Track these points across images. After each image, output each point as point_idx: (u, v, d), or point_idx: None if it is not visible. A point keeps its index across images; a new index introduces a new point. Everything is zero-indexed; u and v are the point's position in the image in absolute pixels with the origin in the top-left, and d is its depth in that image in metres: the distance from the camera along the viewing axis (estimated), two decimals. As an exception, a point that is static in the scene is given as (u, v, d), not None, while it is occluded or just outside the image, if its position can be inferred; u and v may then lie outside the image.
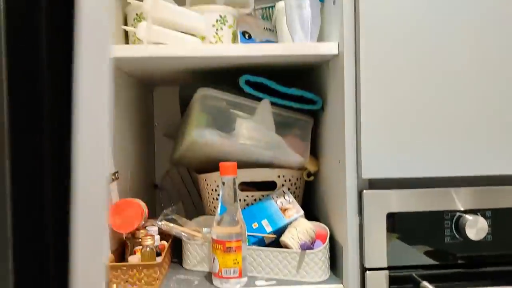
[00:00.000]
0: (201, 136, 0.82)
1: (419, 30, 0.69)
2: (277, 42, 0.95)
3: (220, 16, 0.88)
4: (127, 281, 0.75)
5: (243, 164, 0.86)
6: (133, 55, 0.74)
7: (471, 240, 0.71)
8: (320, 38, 0.81)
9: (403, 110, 0.70)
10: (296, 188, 0.94)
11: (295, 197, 0.90)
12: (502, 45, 0.71)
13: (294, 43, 0.76)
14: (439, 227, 0.73)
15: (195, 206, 1.19)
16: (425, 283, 0.71)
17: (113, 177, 0.74)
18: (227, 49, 0.75)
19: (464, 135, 0.71)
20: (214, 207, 0.95)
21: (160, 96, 1.24)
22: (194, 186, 1.21)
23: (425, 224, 0.73)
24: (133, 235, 0.85)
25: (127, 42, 0.92)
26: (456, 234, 0.73)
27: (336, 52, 0.73)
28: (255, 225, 0.85)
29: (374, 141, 0.70)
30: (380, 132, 0.70)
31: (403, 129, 0.70)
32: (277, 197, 0.89)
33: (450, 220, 0.73)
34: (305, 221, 0.83)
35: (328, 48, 0.72)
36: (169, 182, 1.21)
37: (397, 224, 0.72)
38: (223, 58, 0.77)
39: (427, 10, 0.69)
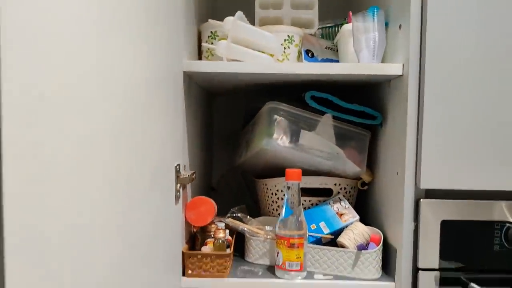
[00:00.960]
0: (269, 145, 0.91)
1: (481, 53, 0.76)
2: (337, 60, 1.04)
3: (288, 36, 0.98)
4: (200, 268, 0.85)
5: (304, 172, 0.94)
6: (215, 71, 0.84)
7: (520, 249, 0.78)
8: (383, 59, 0.89)
9: (461, 127, 0.77)
10: (350, 196, 1.02)
11: (349, 203, 0.98)
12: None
13: (362, 64, 0.85)
14: (489, 236, 0.79)
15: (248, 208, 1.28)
16: (473, 284, 0.77)
17: (193, 176, 0.84)
18: (301, 67, 0.84)
19: (516, 153, 0.78)
20: (273, 209, 1.04)
21: (220, 105, 1.35)
22: (247, 190, 1.30)
23: (476, 233, 0.79)
24: (202, 229, 0.94)
25: (199, 57, 1.03)
26: (505, 243, 0.79)
27: (400, 73, 0.81)
28: (313, 226, 0.94)
29: (432, 155, 0.78)
30: (439, 147, 0.77)
31: (460, 146, 0.78)
32: (333, 202, 0.97)
33: (500, 230, 0.79)
34: (361, 225, 0.91)
35: (393, 69, 0.81)
36: (223, 185, 1.31)
37: (450, 231, 0.79)
38: (293, 75, 0.87)
39: (488, 35, 0.76)
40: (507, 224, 0.79)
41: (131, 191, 0.54)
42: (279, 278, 0.86)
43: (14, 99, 0.31)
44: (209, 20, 0.96)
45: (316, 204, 0.99)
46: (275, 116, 0.92)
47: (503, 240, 0.80)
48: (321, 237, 0.92)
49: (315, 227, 0.94)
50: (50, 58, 0.36)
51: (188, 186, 0.93)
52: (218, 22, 0.93)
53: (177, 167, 0.77)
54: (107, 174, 0.47)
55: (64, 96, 0.38)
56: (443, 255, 0.79)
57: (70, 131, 0.39)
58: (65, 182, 0.38)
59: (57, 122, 0.37)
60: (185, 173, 0.82)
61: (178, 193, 0.78)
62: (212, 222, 0.94)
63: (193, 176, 0.85)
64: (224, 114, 1.35)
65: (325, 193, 1.00)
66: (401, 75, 0.82)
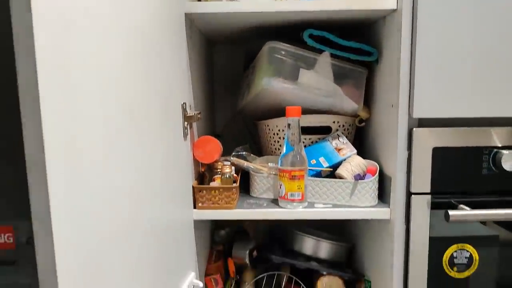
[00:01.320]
0: (269, 84, 0.95)
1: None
2: None
3: (285, -23, 0.99)
4: (210, 200, 0.91)
5: (303, 111, 0.99)
6: (216, 11, 0.87)
7: (506, 171, 0.83)
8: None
9: (452, 60, 0.81)
10: (348, 133, 1.07)
11: (347, 139, 1.03)
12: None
13: (356, -1, 0.87)
14: (478, 161, 0.85)
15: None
16: (462, 206, 0.84)
17: (198, 116, 0.89)
18: (299, 4, 0.87)
19: (503, 82, 0.82)
20: (275, 149, 1.09)
21: (220, 54, 1.37)
22: (249, 134, 1.36)
23: (466, 158, 0.85)
24: (209, 167, 1.00)
25: None
26: (493, 167, 0.85)
27: (394, 7, 0.84)
28: (313, 162, 1.00)
29: (425, 86, 0.82)
30: (431, 79, 0.81)
31: (451, 77, 0.81)
32: (332, 139, 1.03)
33: (488, 155, 0.85)
34: (358, 157, 0.97)
35: (388, 3, 0.83)
36: (229, 131, 1.36)
37: (441, 157, 0.84)
38: (292, 13, 0.89)
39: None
40: (495, 149, 0.84)
41: (146, 123, 0.59)
42: (282, 208, 0.93)
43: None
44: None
45: (316, 141, 1.04)
46: (275, 56, 0.95)
47: (491, 165, 0.85)
48: (321, 170, 0.98)
49: (315, 162, 0.99)
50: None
51: (195, 128, 0.98)
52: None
53: (184, 105, 0.82)
54: (125, 104, 0.51)
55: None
56: (434, 180, 0.85)
57: (92, 58, 0.43)
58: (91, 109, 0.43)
59: (82, 46, 0.41)
60: (191, 112, 0.86)
61: (186, 130, 0.83)
62: (219, 160, 1.00)
63: (199, 116, 0.89)
64: (224, 62, 1.37)
65: (325, 131, 1.05)
66: (395, 9, 0.84)
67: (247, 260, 1.17)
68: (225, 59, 1.37)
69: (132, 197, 0.55)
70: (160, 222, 0.67)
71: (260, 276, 1.13)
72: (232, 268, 1.15)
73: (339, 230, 1.35)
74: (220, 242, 1.25)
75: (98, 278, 0.46)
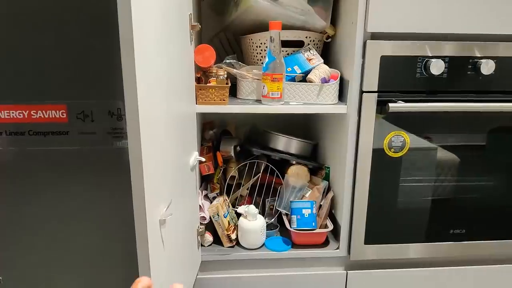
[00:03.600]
0: (256, 1, 1.15)
1: None
2: None
3: None
4: (208, 97, 1.15)
5: (282, 27, 1.20)
6: None
7: (433, 75, 1.12)
8: None
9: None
10: (317, 47, 1.31)
11: (316, 52, 1.27)
12: None
13: None
14: (413, 67, 1.12)
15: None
16: (399, 101, 1.12)
17: (199, 26, 1.09)
18: None
19: (434, 5, 1.07)
20: (257, 60, 1.32)
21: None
22: (232, 49, 1.57)
23: (405, 64, 1.12)
24: (204, 73, 1.23)
25: None
26: (424, 72, 1.13)
27: None
28: (289, 69, 1.24)
29: (377, 7, 1.06)
30: (382, 1, 1.05)
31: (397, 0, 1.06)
32: (304, 51, 1.27)
33: (421, 63, 1.12)
34: (325, 66, 1.22)
35: None
36: (216, 44, 1.56)
37: (387, 63, 1.11)
38: None
39: None
40: (426, 58, 1.12)
41: (174, 26, 0.80)
42: (265, 104, 1.18)
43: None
44: None
45: (291, 53, 1.28)
46: (260, -21, 1.14)
47: (423, 70, 1.13)
48: (295, 76, 1.23)
49: (291, 70, 1.24)
50: None
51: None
52: None
53: (190, 15, 1.02)
54: (161, 11, 0.72)
55: None
56: (380, 81, 1.13)
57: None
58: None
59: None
60: (194, 23, 1.07)
61: (192, 36, 1.04)
62: (213, 66, 1.22)
63: (199, 26, 1.10)
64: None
65: (298, 45, 1.28)
66: None
67: (232, 154, 1.44)
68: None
69: (169, 88, 0.78)
70: (179, 111, 0.91)
71: (243, 163, 1.41)
72: (220, 159, 1.42)
73: (305, 134, 1.64)
74: (209, 139, 1.51)
75: (154, 128, 0.71)
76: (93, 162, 1.00)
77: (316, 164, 1.43)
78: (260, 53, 1.31)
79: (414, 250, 1.27)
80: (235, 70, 1.23)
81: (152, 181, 0.72)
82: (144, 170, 0.69)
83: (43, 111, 0.90)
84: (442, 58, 1.12)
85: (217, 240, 1.28)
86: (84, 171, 1.01)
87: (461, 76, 1.14)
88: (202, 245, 1.27)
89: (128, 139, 0.66)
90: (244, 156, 1.48)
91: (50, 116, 0.90)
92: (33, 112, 0.89)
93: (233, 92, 1.27)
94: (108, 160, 1.01)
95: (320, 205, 1.33)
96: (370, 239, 1.25)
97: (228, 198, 1.37)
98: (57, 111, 0.90)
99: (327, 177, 1.40)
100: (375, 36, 1.10)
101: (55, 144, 0.95)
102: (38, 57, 0.91)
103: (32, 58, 0.91)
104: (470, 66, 1.14)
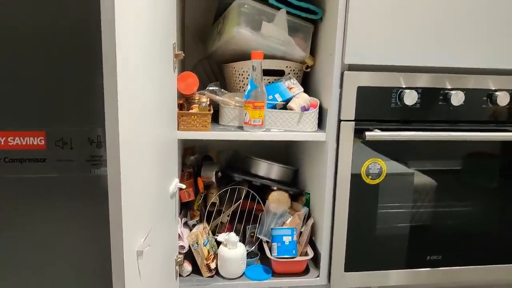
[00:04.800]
0: (238, 32, 1.19)
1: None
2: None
3: None
4: (189, 124, 1.17)
5: (264, 56, 1.24)
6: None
7: (407, 105, 1.16)
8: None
9: (373, 23, 1.10)
10: (297, 76, 1.35)
11: (296, 81, 1.31)
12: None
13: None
14: (389, 97, 1.17)
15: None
16: (376, 129, 1.16)
17: (183, 54, 1.11)
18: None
19: (413, 37, 1.13)
20: (240, 87, 1.35)
21: (190, 5, 1.57)
22: (214, 77, 1.59)
23: (380, 95, 1.16)
24: (187, 100, 1.24)
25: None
26: (398, 102, 1.17)
27: (335, -23, 1.10)
28: (270, 97, 1.27)
29: (354, 40, 1.10)
30: (359, 35, 1.10)
31: (373, 35, 1.11)
32: (285, 80, 1.30)
33: (395, 93, 1.17)
34: (305, 94, 1.26)
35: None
36: (199, 71, 1.58)
37: (363, 93, 1.15)
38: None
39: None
40: (400, 89, 1.16)
41: (157, 57, 0.82)
42: (246, 131, 1.20)
43: None
44: None
45: (273, 82, 1.31)
46: (243, 10, 1.18)
47: (397, 100, 1.17)
48: (276, 104, 1.26)
49: (272, 97, 1.27)
50: None
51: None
52: None
53: (174, 44, 1.05)
54: (145, 41, 0.74)
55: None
56: (357, 111, 1.16)
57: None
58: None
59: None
60: (177, 52, 1.09)
61: (175, 64, 1.06)
62: (196, 93, 1.24)
63: (183, 55, 1.12)
64: (194, 14, 1.57)
65: (279, 74, 1.32)
66: (336, -21, 1.11)
67: (213, 179, 1.45)
68: (195, 11, 1.57)
69: (151, 114, 0.79)
70: (160, 138, 0.92)
71: (224, 189, 1.41)
72: (201, 185, 1.42)
73: (286, 160, 1.66)
74: (190, 165, 1.51)
75: (134, 156, 0.71)
76: (71, 190, 1.00)
77: (296, 190, 1.45)
78: (242, 81, 1.33)
79: (394, 277, 1.29)
80: (217, 97, 1.25)
81: (130, 211, 0.72)
82: (123, 199, 0.68)
83: (21, 138, 0.89)
84: (416, 89, 1.17)
85: (196, 270, 1.26)
86: (61, 199, 1.00)
87: (434, 106, 1.19)
88: (180, 275, 1.25)
89: (108, 167, 0.66)
90: (226, 182, 1.49)
91: (28, 143, 0.89)
92: (10, 139, 0.88)
93: (216, 118, 1.29)
94: (86, 188, 1.00)
95: (301, 232, 1.34)
96: (350, 266, 1.26)
97: (208, 225, 1.36)
98: (35, 138, 0.90)
99: (307, 203, 1.41)
100: (352, 67, 1.15)
101: (32, 172, 0.94)
102: (17, 83, 0.91)
103: (12, 84, 0.91)
104: (441, 97, 1.19)
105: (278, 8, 1.21)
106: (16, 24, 0.88)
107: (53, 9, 0.91)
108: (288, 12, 1.22)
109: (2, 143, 0.89)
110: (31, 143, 0.88)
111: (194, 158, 1.53)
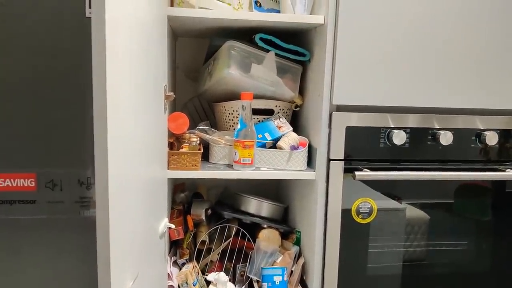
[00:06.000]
0: (228, 74, 1.22)
1: (380, 14, 1.11)
2: (279, 10, 1.33)
3: (242, -10, 1.26)
4: (180, 163, 1.17)
5: (253, 96, 1.26)
6: (192, 15, 1.12)
7: (396, 145, 1.18)
8: (312, 12, 1.22)
9: (361, 66, 1.13)
10: (286, 115, 1.37)
11: (286, 120, 1.33)
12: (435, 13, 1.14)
13: (296, 14, 1.16)
14: (377, 137, 1.19)
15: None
16: (365, 169, 1.17)
17: (173, 96, 1.13)
18: (252, 15, 1.14)
19: (401, 78, 1.16)
20: (230, 126, 1.36)
21: (181, 45, 1.61)
22: (205, 115, 1.61)
23: (369, 134, 1.18)
24: (177, 139, 1.25)
25: (171, 4, 1.28)
26: (387, 142, 1.19)
27: (322, 22, 1.14)
28: (260, 136, 1.28)
29: (342, 82, 1.13)
30: (347, 77, 1.13)
31: (360, 77, 1.14)
32: (274, 119, 1.32)
33: (384, 133, 1.19)
34: (294, 133, 1.27)
35: (318, 19, 1.14)
36: (190, 109, 1.60)
37: (352, 133, 1.17)
38: (248, 21, 1.16)
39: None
40: (389, 129, 1.19)
41: (148, 100, 0.83)
42: (236, 170, 1.20)
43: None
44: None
45: (262, 121, 1.33)
46: (233, 52, 1.22)
47: (386, 140, 1.19)
48: (266, 142, 1.27)
49: (261, 136, 1.28)
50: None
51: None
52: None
53: (165, 87, 1.06)
54: (136, 85, 0.76)
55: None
56: (346, 150, 1.18)
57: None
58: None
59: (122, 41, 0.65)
60: (168, 93, 1.11)
61: (165, 106, 1.08)
62: (186, 132, 1.25)
63: (174, 96, 1.14)
64: (185, 54, 1.61)
65: (269, 113, 1.34)
66: (323, 24, 1.15)
67: (203, 217, 1.43)
68: (185, 51, 1.61)
69: (141, 155, 0.80)
70: (150, 177, 0.92)
71: (214, 227, 1.40)
72: (190, 223, 1.41)
73: (276, 196, 1.66)
74: (180, 202, 1.50)
75: (123, 197, 0.71)
76: (59, 232, 0.98)
77: (287, 227, 1.44)
78: (232, 120, 1.35)
79: (385, 318, 1.26)
80: (208, 135, 1.26)
81: (119, 253, 0.71)
82: (111, 241, 0.68)
83: (12, 180, 0.89)
84: (404, 129, 1.19)
85: (185, 310, 1.23)
86: (49, 240, 0.99)
87: (422, 146, 1.21)
88: (169, 316, 1.21)
89: (96, 209, 0.66)
90: (216, 219, 1.47)
91: (19, 185, 0.89)
92: (1, 181, 0.88)
93: (206, 156, 1.29)
94: (74, 229, 0.99)
95: (292, 271, 1.32)
96: (341, 307, 1.24)
97: (198, 264, 1.34)
98: (26, 180, 0.89)
99: (298, 242, 1.40)
100: (340, 108, 1.17)
101: (21, 213, 0.93)
102: (8, 126, 0.91)
103: (3, 127, 0.91)
104: (430, 137, 1.21)
105: (267, 50, 1.25)
106: (8, 68, 0.90)
107: (46, 52, 0.93)
108: (277, 54, 1.26)
109: (-8, 185, 0.88)
110: (21, 184, 0.88)
111: (184, 195, 1.52)
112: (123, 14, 0.67)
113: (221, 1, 1.21)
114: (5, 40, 0.91)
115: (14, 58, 0.93)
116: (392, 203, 1.23)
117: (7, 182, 0.88)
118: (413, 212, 1.24)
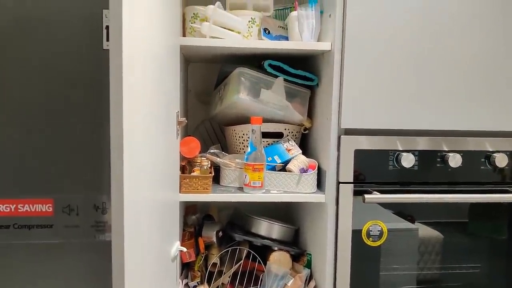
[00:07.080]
0: (238, 99, 1.25)
1: (386, 34, 1.14)
2: (287, 37, 1.37)
3: (251, 18, 1.30)
4: (191, 187, 1.19)
5: (263, 120, 1.29)
6: (203, 45, 1.16)
7: (405, 167, 1.19)
8: (318, 38, 1.25)
9: (368, 90, 1.16)
10: (295, 138, 1.39)
11: (295, 143, 1.35)
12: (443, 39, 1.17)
13: (303, 41, 1.20)
14: (386, 160, 1.20)
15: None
16: (375, 192, 1.18)
17: (186, 121, 1.16)
18: (261, 43, 1.18)
19: (410, 101, 1.18)
20: (240, 149, 1.39)
21: (193, 70, 1.65)
22: (217, 138, 1.65)
23: (377, 157, 1.19)
24: (189, 162, 1.28)
25: (183, 34, 1.32)
26: (396, 165, 1.20)
27: (329, 48, 1.17)
28: (269, 159, 1.30)
29: (350, 105, 1.16)
30: (355, 100, 1.16)
31: (368, 101, 1.16)
32: (283, 142, 1.34)
33: (393, 156, 1.20)
34: (303, 156, 1.29)
35: (325, 45, 1.17)
36: (201, 131, 1.64)
37: (360, 156, 1.19)
38: (257, 48, 1.20)
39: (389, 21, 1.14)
40: (397, 152, 1.20)
41: (161, 126, 0.87)
42: (246, 193, 1.22)
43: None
44: (194, 6, 1.26)
45: (272, 143, 1.36)
46: (242, 78, 1.25)
47: (395, 163, 1.21)
48: (275, 165, 1.29)
49: (271, 159, 1.30)
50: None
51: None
52: (200, 7, 1.23)
53: (177, 113, 1.10)
54: (151, 114, 0.79)
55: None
56: (356, 173, 1.19)
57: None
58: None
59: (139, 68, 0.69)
60: (180, 118, 1.14)
61: (178, 132, 1.11)
62: (197, 156, 1.28)
63: (186, 122, 1.17)
64: (196, 77, 1.66)
65: (278, 136, 1.37)
66: (330, 50, 1.18)
67: (214, 239, 1.45)
68: (197, 75, 1.65)
69: (154, 180, 0.82)
70: (162, 201, 0.95)
71: (225, 250, 1.41)
72: (202, 245, 1.42)
73: (287, 218, 1.67)
74: (191, 224, 1.52)
75: (137, 222, 0.74)
76: (75, 255, 1.01)
77: (298, 250, 1.44)
78: (242, 143, 1.38)
79: None
80: (218, 159, 1.29)
81: (133, 277, 0.73)
82: (126, 265, 0.70)
83: (30, 205, 0.92)
84: (413, 152, 1.20)
85: (196, 333, 1.23)
86: (65, 264, 1.01)
87: (431, 168, 1.22)
88: None
89: (112, 234, 0.68)
90: (227, 241, 1.48)
91: (37, 210, 0.92)
92: (20, 206, 0.91)
93: (217, 179, 1.32)
94: (89, 253, 1.02)
95: (302, 294, 1.32)
96: (353, 331, 1.23)
97: (209, 286, 1.34)
98: (44, 205, 0.93)
99: (309, 264, 1.40)
100: (348, 132, 1.19)
101: (39, 237, 0.96)
102: (27, 154, 0.95)
103: (22, 155, 0.95)
104: (439, 159, 1.22)
105: (276, 76, 1.28)
106: (24, 96, 0.94)
107: (64, 81, 0.97)
108: (285, 79, 1.29)
109: (12, 210, 0.92)
110: (39, 210, 0.91)
111: (195, 218, 1.54)
112: (139, 48, 0.71)
113: (231, 30, 1.25)
114: (24, 66, 0.96)
115: (32, 84, 0.98)
116: (403, 224, 1.23)
117: (26, 207, 0.92)
118: (425, 231, 1.24)
